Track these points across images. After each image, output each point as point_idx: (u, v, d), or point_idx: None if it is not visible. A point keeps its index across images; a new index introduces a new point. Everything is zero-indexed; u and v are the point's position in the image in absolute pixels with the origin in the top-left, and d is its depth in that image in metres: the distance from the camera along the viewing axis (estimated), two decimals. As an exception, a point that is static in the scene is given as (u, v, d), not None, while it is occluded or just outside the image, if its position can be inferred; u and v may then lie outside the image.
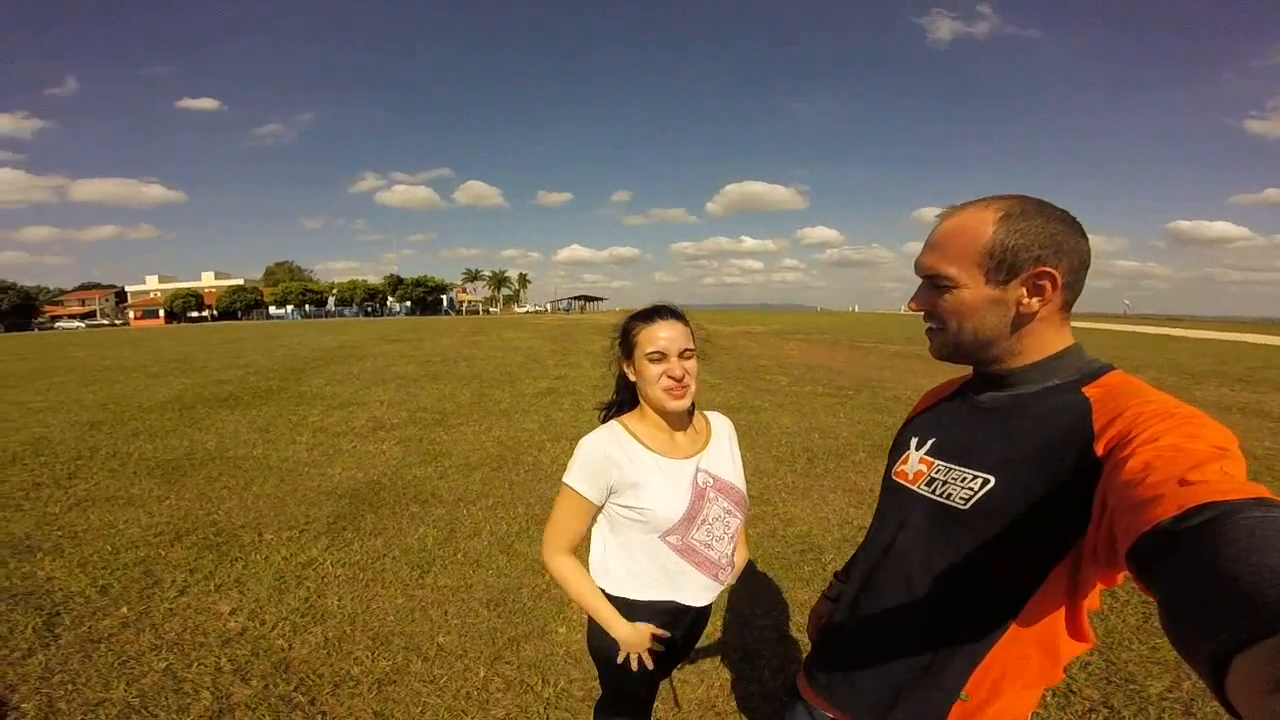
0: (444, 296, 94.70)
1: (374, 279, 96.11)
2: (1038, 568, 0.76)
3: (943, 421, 0.95)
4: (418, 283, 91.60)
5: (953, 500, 0.82)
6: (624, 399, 1.36)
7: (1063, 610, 0.77)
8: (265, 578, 2.99)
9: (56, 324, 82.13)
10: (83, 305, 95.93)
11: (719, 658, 2.35)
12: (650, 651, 1.29)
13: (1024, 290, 0.77)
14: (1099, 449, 0.68)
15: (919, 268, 0.85)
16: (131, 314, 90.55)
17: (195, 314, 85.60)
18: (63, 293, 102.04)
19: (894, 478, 0.97)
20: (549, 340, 18.52)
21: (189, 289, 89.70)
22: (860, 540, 1.07)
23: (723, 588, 1.35)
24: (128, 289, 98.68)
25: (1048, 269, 0.75)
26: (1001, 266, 0.77)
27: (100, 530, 3.60)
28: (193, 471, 4.84)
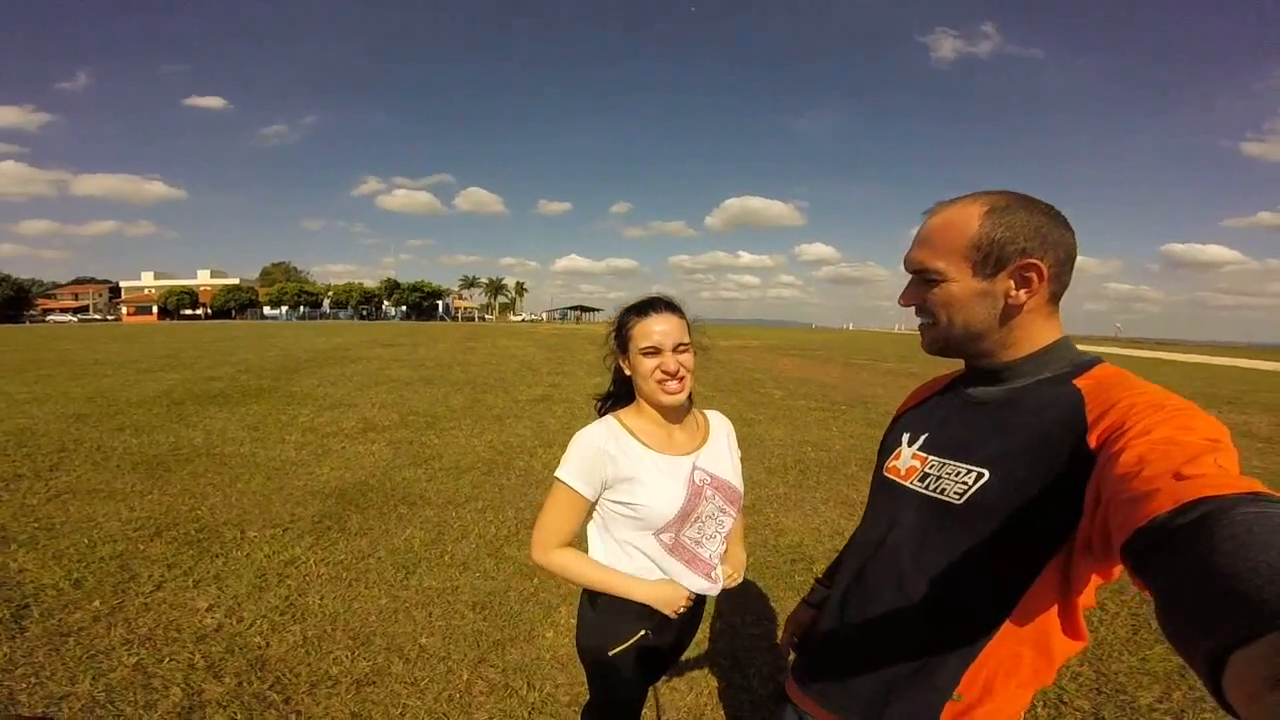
0: (440, 302, 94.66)
1: (370, 283, 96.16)
2: (1032, 562, 0.74)
3: (934, 417, 0.93)
4: (414, 288, 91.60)
5: (947, 495, 0.81)
6: (620, 392, 1.33)
7: (1056, 607, 0.76)
8: (245, 575, 2.92)
9: (48, 318, 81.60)
10: (76, 300, 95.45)
11: (708, 666, 2.30)
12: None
13: (1011, 282, 0.77)
14: (1092, 441, 0.68)
15: (908, 263, 0.85)
16: (124, 310, 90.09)
17: (189, 312, 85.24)
18: (56, 286, 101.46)
19: (885, 474, 0.95)
20: (544, 349, 18.50)
21: (183, 286, 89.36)
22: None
23: (719, 588, 1.30)
24: (123, 284, 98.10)
25: (1034, 260, 0.76)
26: (988, 259, 0.77)
27: (79, 523, 3.52)
28: (178, 467, 4.76)
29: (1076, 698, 2.13)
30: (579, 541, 1.27)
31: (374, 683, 2.15)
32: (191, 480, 4.42)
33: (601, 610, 1.27)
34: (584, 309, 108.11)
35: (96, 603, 2.61)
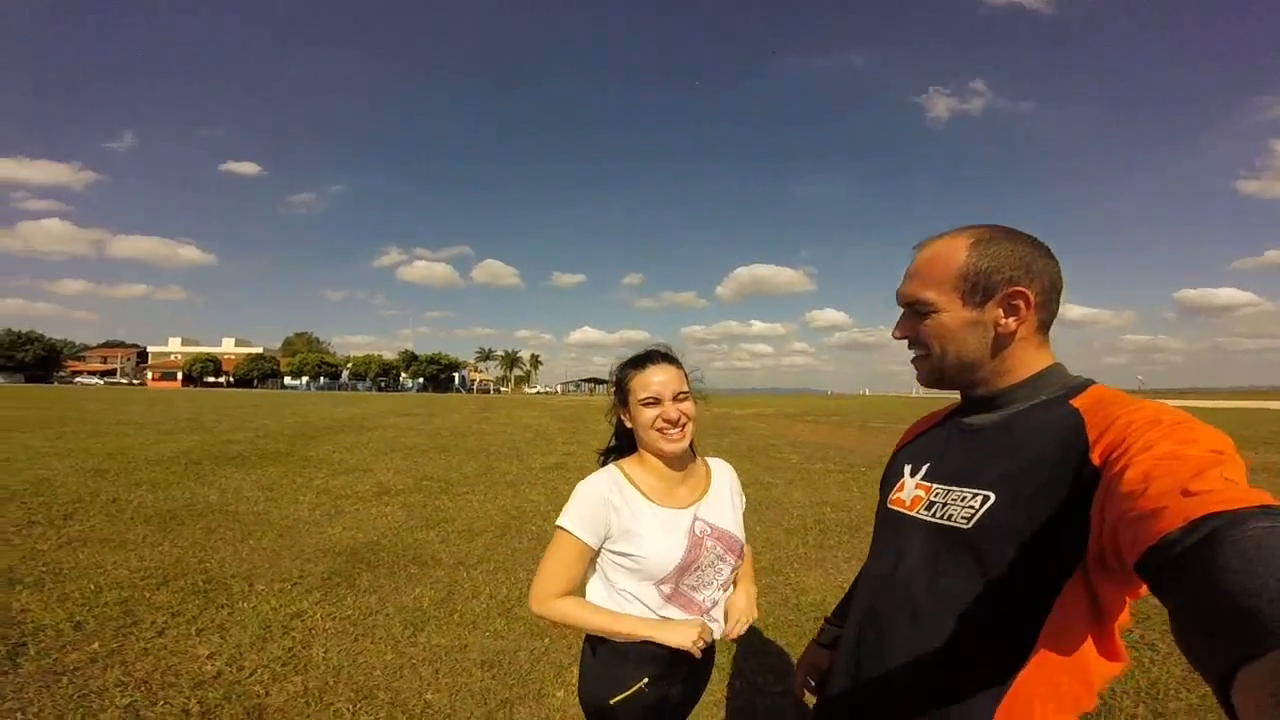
0: (456, 374, 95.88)
1: (389, 354, 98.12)
2: (1048, 583, 0.72)
3: (934, 447, 0.93)
4: (431, 360, 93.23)
5: (954, 520, 0.79)
6: (622, 445, 1.34)
7: (1088, 629, 0.72)
8: (250, 625, 2.82)
9: (76, 379, 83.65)
10: (104, 363, 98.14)
11: (731, 737, 2.14)
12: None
13: (1000, 310, 0.79)
14: (1095, 457, 0.67)
15: (900, 297, 0.88)
16: (150, 374, 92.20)
17: (212, 379, 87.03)
18: (86, 348, 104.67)
19: (890, 506, 0.94)
20: (558, 419, 18.48)
21: (208, 354, 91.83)
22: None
23: (716, 636, 1.25)
24: (150, 349, 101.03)
25: (1020, 289, 0.78)
26: (976, 289, 0.80)
27: (86, 569, 3.47)
28: (191, 521, 4.72)
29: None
30: (578, 593, 1.23)
31: (376, 740, 2.02)
32: (203, 535, 4.37)
33: (603, 657, 1.23)
34: (597, 381, 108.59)
35: (95, 645, 2.52)
